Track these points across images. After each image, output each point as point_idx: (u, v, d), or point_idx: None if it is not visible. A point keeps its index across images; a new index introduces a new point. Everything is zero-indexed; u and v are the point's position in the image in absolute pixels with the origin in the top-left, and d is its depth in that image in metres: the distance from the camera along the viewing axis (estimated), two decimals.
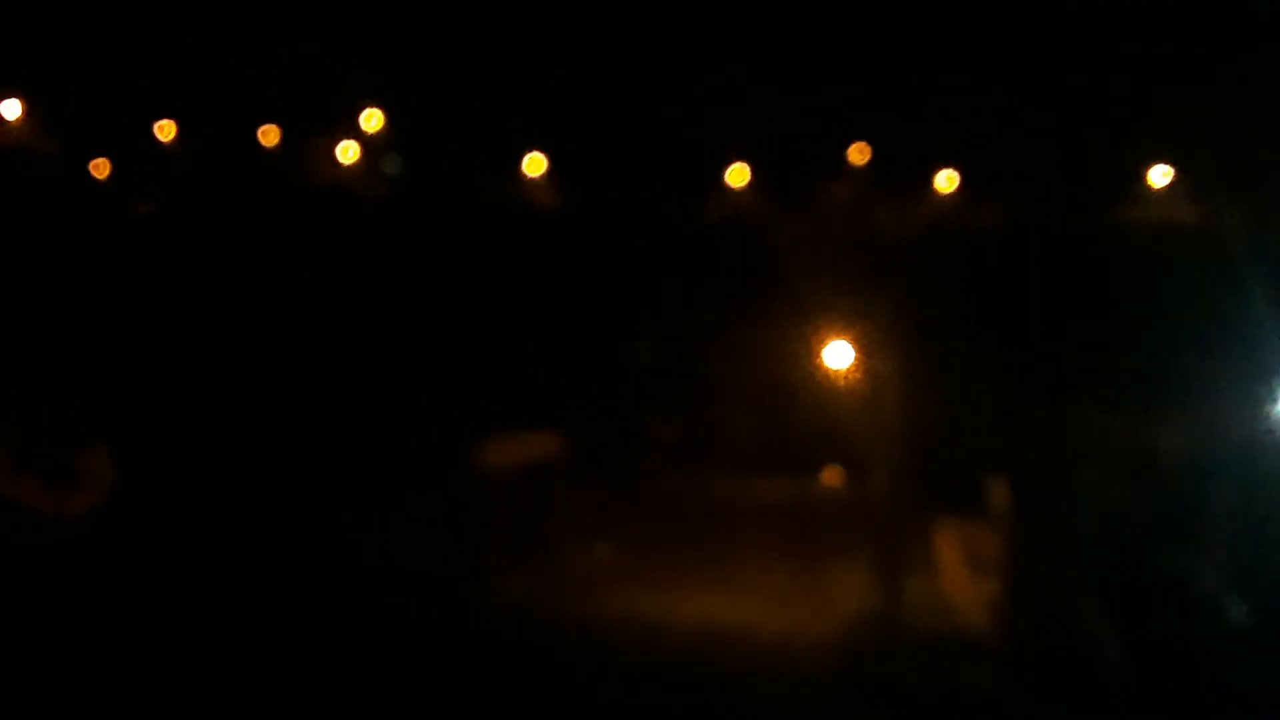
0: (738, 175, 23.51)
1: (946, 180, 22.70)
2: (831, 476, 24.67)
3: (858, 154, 23.19)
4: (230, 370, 21.12)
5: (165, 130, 21.72)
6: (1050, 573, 17.72)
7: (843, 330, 20.32)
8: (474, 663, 16.62)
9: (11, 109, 20.77)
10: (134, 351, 21.10)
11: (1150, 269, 20.75)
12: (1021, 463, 19.10)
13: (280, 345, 21.30)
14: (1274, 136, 19.92)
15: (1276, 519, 16.32)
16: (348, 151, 23.04)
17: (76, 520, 19.79)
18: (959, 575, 19.38)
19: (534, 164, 23.34)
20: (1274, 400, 17.56)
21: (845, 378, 20.31)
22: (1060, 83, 21.32)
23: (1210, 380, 17.96)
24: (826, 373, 20.32)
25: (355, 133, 22.94)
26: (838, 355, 20.21)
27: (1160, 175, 22.16)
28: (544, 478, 21.64)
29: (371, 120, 23.34)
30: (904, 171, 22.89)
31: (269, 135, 22.44)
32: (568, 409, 23.07)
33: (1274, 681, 14.08)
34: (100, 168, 21.85)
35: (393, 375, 21.73)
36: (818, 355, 20.34)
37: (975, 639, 17.86)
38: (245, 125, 21.96)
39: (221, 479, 20.63)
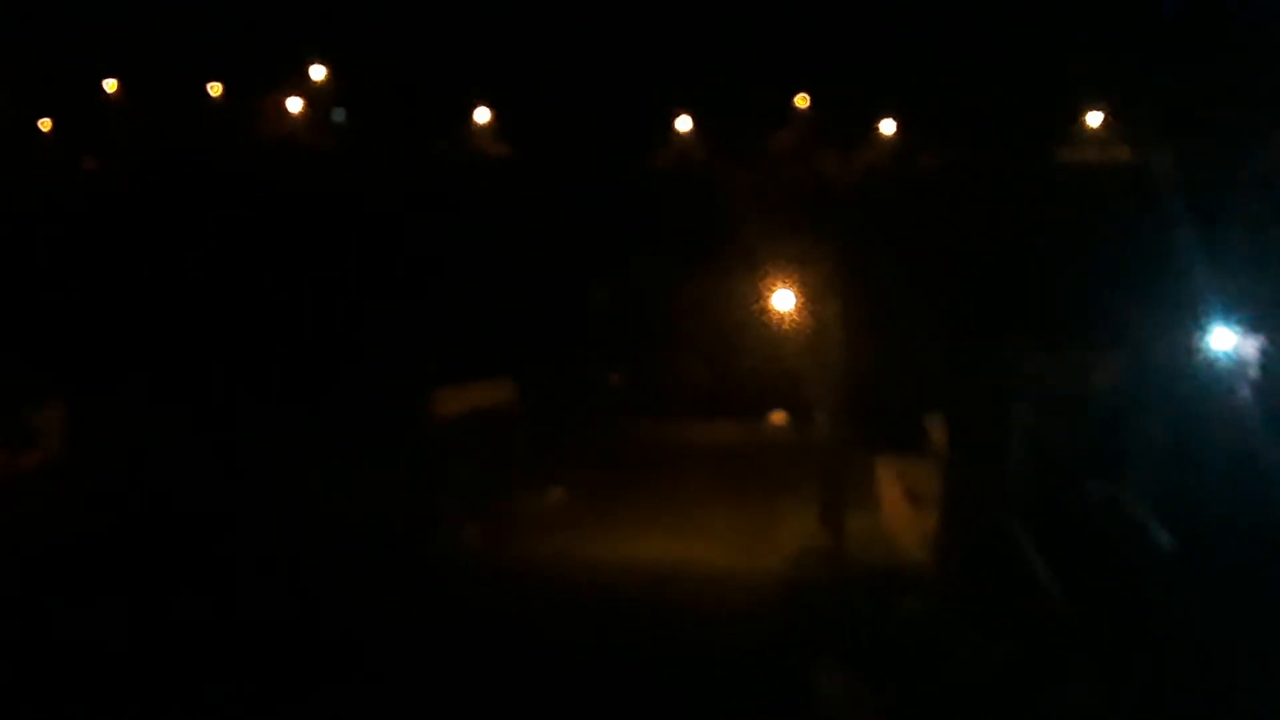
0: (684, 124, 23.82)
1: (887, 126, 23.16)
2: (776, 418, 25.20)
3: (801, 101, 23.56)
4: (182, 325, 21.25)
5: (112, 88, 21.71)
6: (984, 505, 18.25)
7: (786, 275, 20.65)
8: (432, 608, 16.91)
9: None
10: (85, 309, 21.18)
11: (1082, 211, 21.30)
12: (958, 401, 19.62)
13: (231, 299, 21.44)
14: (1203, 78, 20.44)
15: (1197, 448, 16.88)
16: (293, 105, 23.13)
17: (30, 478, 19.92)
18: (899, 510, 19.92)
19: (481, 114, 23.55)
20: (1198, 335, 18.03)
21: (789, 322, 20.67)
22: (997, 27, 21.75)
23: (1136, 318, 18.52)
24: (771, 317, 20.67)
25: (301, 86, 23.01)
26: (782, 300, 20.55)
27: (1093, 118, 22.68)
28: (497, 425, 21.97)
29: (317, 73, 23.41)
30: (845, 119, 23.28)
31: (215, 90, 22.48)
32: (520, 357, 23.40)
33: (1194, 601, 14.64)
34: (45, 125, 21.84)
35: (346, 327, 21.95)
36: (763, 300, 20.67)
37: (916, 571, 18.34)
38: (191, 81, 22.00)
39: (176, 434, 20.82)
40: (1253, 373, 17.24)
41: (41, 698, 13.58)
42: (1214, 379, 17.33)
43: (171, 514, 18.91)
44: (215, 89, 21.38)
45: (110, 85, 20.77)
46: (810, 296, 20.64)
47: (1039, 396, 18.73)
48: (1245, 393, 17.09)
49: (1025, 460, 18.29)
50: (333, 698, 14.04)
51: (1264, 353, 17.31)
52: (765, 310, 21.17)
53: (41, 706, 13.50)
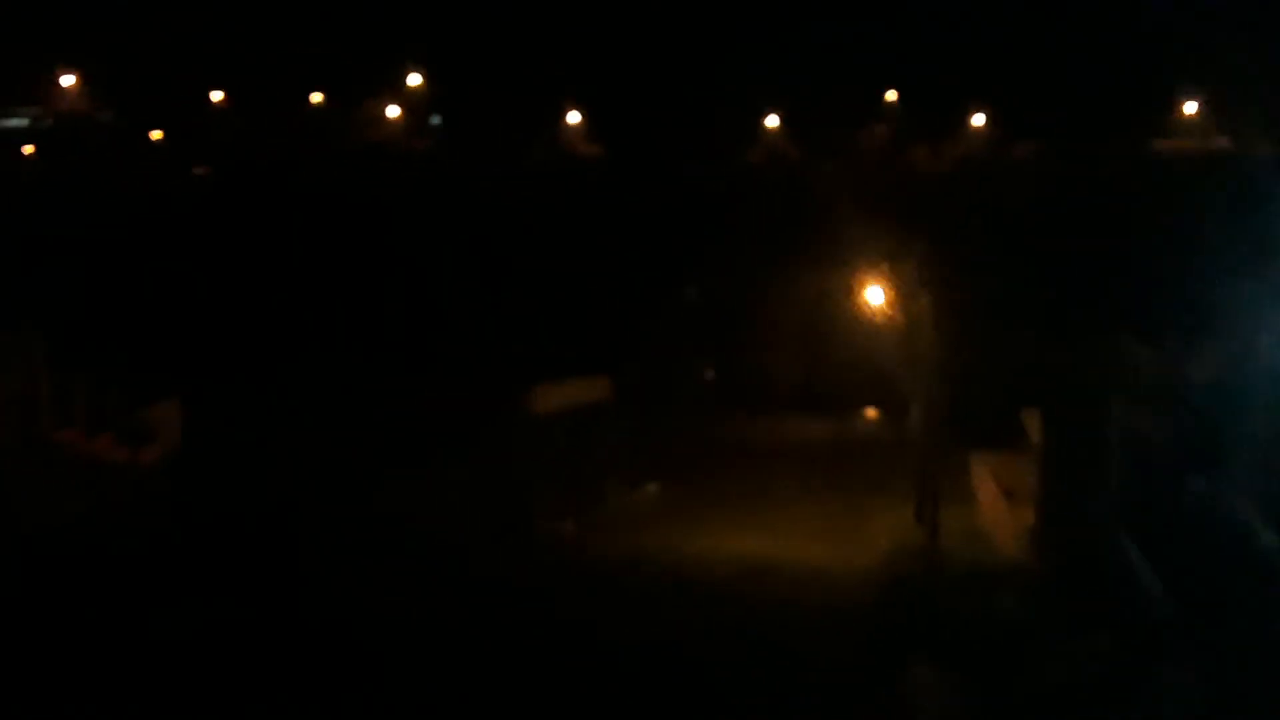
0: (773, 121, 23.91)
1: (978, 119, 23.00)
2: (870, 414, 25.13)
3: (890, 96, 23.51)
4: (290, 325, 21.83)
5: (218, 99, 22.39)
6: (1084, 503, 18.05)
7: (879, 271, 20.59)
8: (531, 602, 17.20)
9: (68, 81, 21.47)
10: (198, 310, 21.87)
11: (1179, 201, 20.95)
12: (1054, 397, 19.43)
13: (336, 299, 21.99)
14: None
15: None
16: (391, 112, 23.65)
17: (148, 472, 20.63)
18: (995, 508, 19.80)
19: (573, 116, 23.86)
20: None
21: (881, 317, 20.61)
22: (1085, 19, 21.48)
23: (1238, 311, 18.19)
24: (863, 313, 20.63)
25: (399, 94, 23.50)
26: (874, 295, 20.51)
27: (1190, 107, 22.31)
28: (593, 421, 22.25)
29: (413, 80, 23.89)
30: (935, 112, 23.17)
31: (316, 100, 23.08)
32: (615, 354, 23.64)
33: None
34: (157, 135, 22.57)
35: (447, 326, 22.37)
36: (855, 296, 20.64)
37: (1013, 569, 18.22)
38: (294, 90, 22.60)
39: (287, 431, 21.42)
40: None
41: (155, 682, 14.08)
42: None
43: (283, 508, 19.43)
44: (316, 98, 21.94)
45: (217, 96, 21.42)
46: (903, 292, 20.58)
47: (1137, 391, 18.49)
48: None
49: (1124, 456, 18.06)
50: (440, 681, 14.39)
51: None
52: (858, 306, 21.17)
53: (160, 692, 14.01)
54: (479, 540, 18.83)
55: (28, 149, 22.46)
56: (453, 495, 20.13)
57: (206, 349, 21.82)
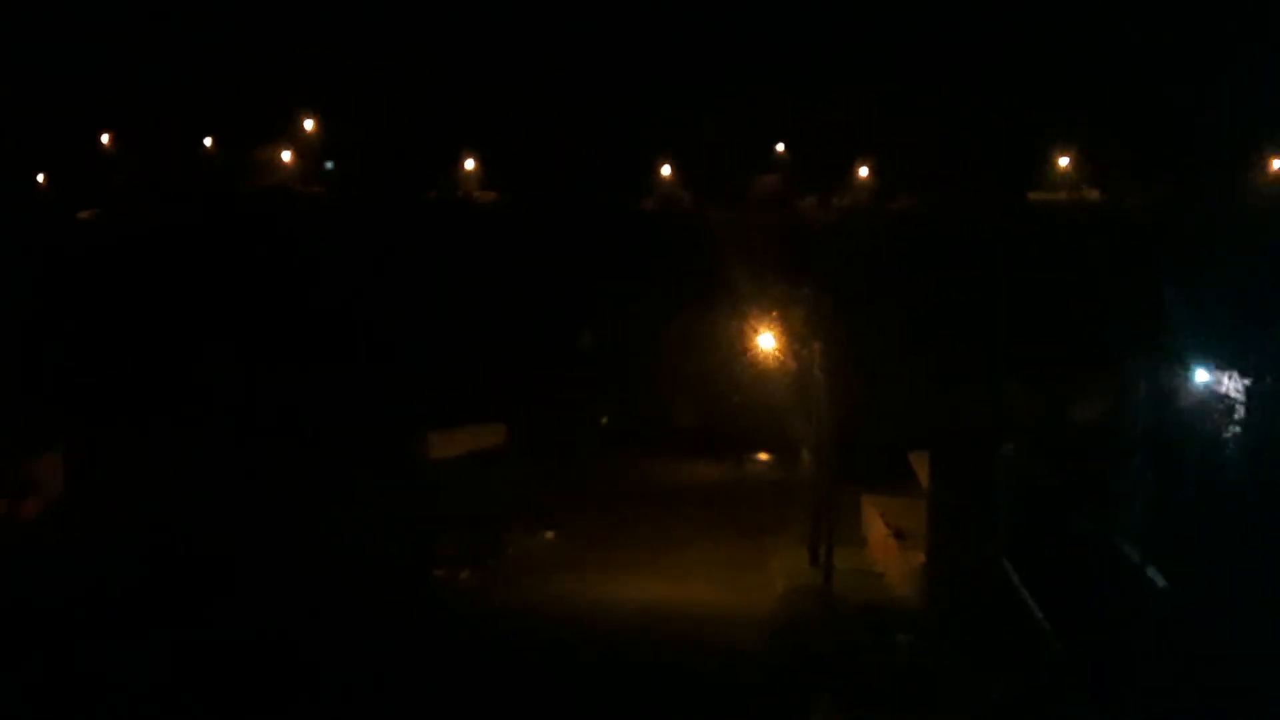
0: (666, 170, 24.28)
1: (864, 170, 23.67)
2: (763, 458, 25.51)
3: (780, 148, 24.07)
4: (180, 371, 21.39)
5: (108, 141, 21.91)
6: (972, 543, 18.47)
7: (770, 317, 20.96)
8: (425, 648, 17.04)
9: None
10: (81, 357, 21.29)
11: (1061, 251, 21.80)
12: (941, 439, 19.94)
13: (228, 344, 21.62)
14: (1170, 121, 21.03)
15: (1183, 484, 17.18)
16: (284, 156, 23.40)
17: (30, 524, 19.95)
18: (886, 548, 20.20)
19: (468, 161, 23.90)
20: (1184, 375, 18.35)
21: (773, 362, 20.96)
22: (970, 73, 22.31)
23: (1118, 355, 18.92)
24: (756, 357, 20.97)
25: (292, 138, 23.28)
26: (766, 340, 20.86)
27: (1066, 159, 23.27)
28: (489, 467, 22.18)
29: (306, 125, 23.71)
30: (822, 164, 23.77)
31: (207, 143, 22.75)
32: (510, 400, 23.64)
33: (1185, 637, 14.88)
34: (42, 178, 21.99)
35: (340, 371, 22.13)
36: (749, 341, 20.97)
37: (906, 608, 18.56)
38: (185, 134, 22.23)
39: (174, 476, 20.91)
40: (1236, 409, 17.62)
41: None
42: (1197, 416, 17.72)
43: (169, 555, 18.96)
44: (207, 142, 21.64)
45: (105, 139, 20.99)
46: (794, 337, 21.00)
47: (1023, 434, 19.07)
48: (1230, 429, 17.46)
49: (1011, 497, 18.58)
50: None
51: (1247, 390, 17.69)
52: (750, 351, 21.52)
53: None
54: (376, 587, 18.61)
55: None
56: (348, 541, 19.85)
57: (89, 398, 21.22)
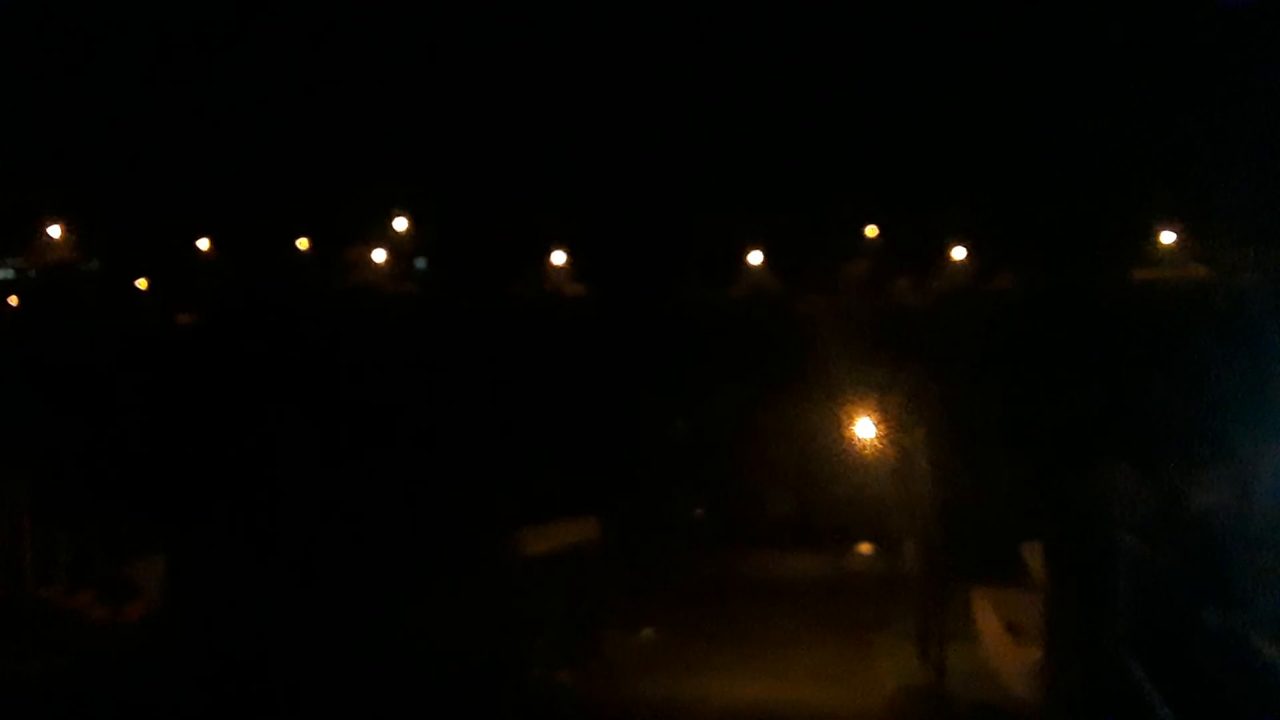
0: (755, 258, 24.10)
1: (960, 252, 23.24)
2: (867, 550, 24.85)
3: (871, 231, 23.77)
4: (275, 472, 21.47)
5: (205, 247, 22.33)
6: (1092, 637, 17.73)
7: (869, 404, 20.51)
8: None
9: (55, 230, 21.32)
10: (181, 461, 21.46)
11: (1169, 328, 21.13)
12: (1055, 527, 19.25)
13: (323, 444, 21.67)
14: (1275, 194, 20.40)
15: None
16: (377, 255, 23.65)
17: (132, 628, 20.01)
18: (1000, 644, 19.47)
19: (559, 255, 23.96)
20: None
21: (874, 450, 20.47)
22: (1062, 151, 21.89)
23: (1239, 438, 18.18)
24: (856, 446, 20.50)
25: (384, 238, 23.53)
26: (866, 428, 20.38)
27: (1168, 235, 22.65)
28: (585, 563, 21.85)
29: (399, 224, 23.94)
30: (915, 245, 23.42)
31: (302, 244, 23.08)
32: (602, 494, 23.36)
33: None
34: (143, 284, 22.42)
35: (435, 467, 22.06)
36: (846, 429, 20.53)
37: (1022, 709, 17.85)
38: (280, 236, 22.58)
39: (272, 580, 20.87)
40: None
41: None
42: None
43: (267, 659, 18.89)
44: (302, 244, 21.88)
45: (203, 244, 21.29)
46: (893, 424, 20.50)
47: (1141, 521, 18.33)
48: None
49: (1132, 588, 17.82)
50: None
51: None
52: (848, 439, 21.03)
53: None
54: (476, 689, 18.33)
55: (13, 299, 22.26)
56: (446, 641, 19.63)
57: (192, 501, 21.35)
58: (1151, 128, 21.46)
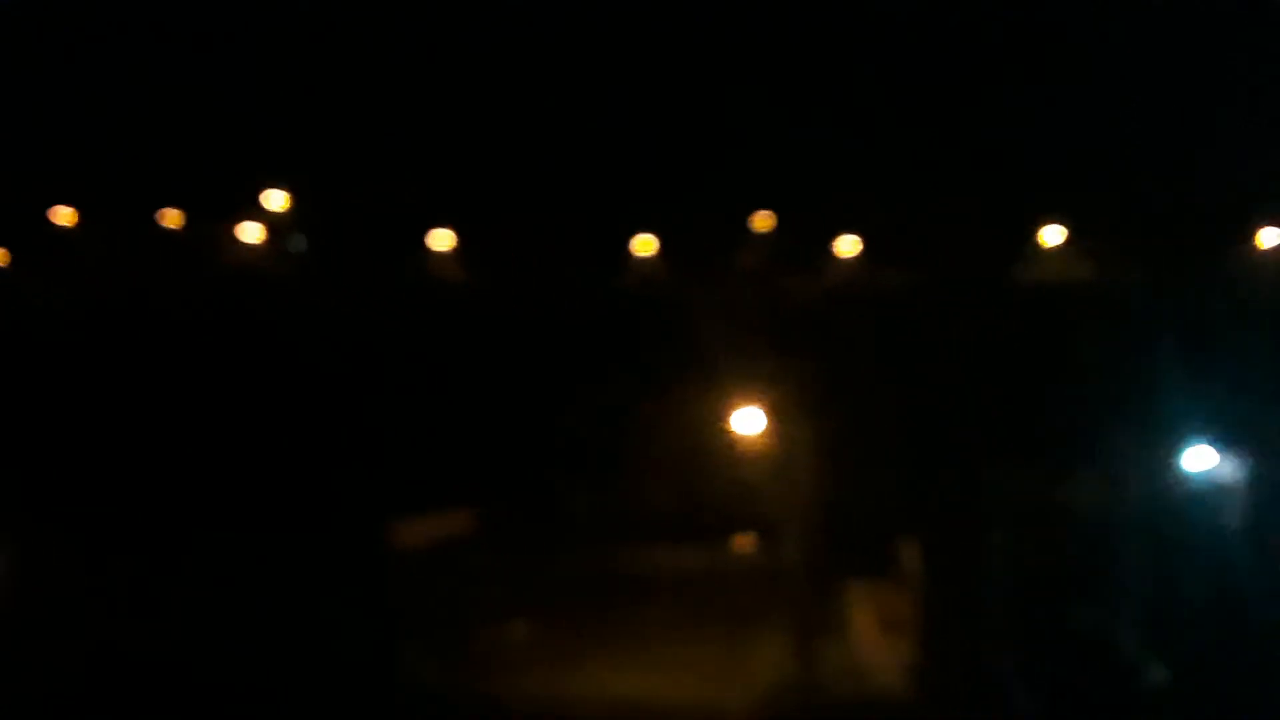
0: (645, 245, 23.69)
1: (849, 245, 23.02)
2: (744, 544, 24.67)
3: (762, 222, 23.49)
4: (136, 459, 20.68)
5: (64, 216, 21.38)
6: (963, 632, 17.79)
7: (752, 397, 20.40)
8: None
9: None
10: (33, 446, 20.58)
11: (1051, 329, 21.17)
12: (931, 524, 19.26)
13: (186, 430, 20.92)
14: (1167, 193, 20.51)
15: (1186, 574, 16.52)
16: (251, 232, 22.87)
17: None
18: (873, 638, 19.44)
19: (441, 239, 23.34)
20: (1175, 454, 17.85)
21: (755, 445, 20.37)
22: (955, 147, 21.80)
23: (1116, 439, 18.26)
24: (737, 440, 20.38)
25: (259, 213, 22.79)
26: (748, 422, 20.29)
27: (1055, 235, 22.65)
28: (459, 556, 21.39)
29: (275, 200, 23.24)
30: (808, 238, 23.20)
31: (170, 218, 22.21)
32: (480, 486, 22.88)
33: None
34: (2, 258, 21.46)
35: (304, 459, 21.42)
36: (728, 423, 20.39)
37: (892, 703, 17.88)
38: (146, 209, 21.71)
39: (126, 571, 20.12)
40: (1235, 492, 17.01)
41: None
42: (1194, 499, 17.08)
43: (120, 653, 18.28)
44: (173, 217, 21.03)
45: (65, 214, 20.38)
46: (778, 419, 20.35)
47: (1015, 519, 18.39)
48: (1229, 514, 16.85)
49: (1005, 585, 17.88)
50: None
51: (1246, 472, 17.09)
52: (731, 433, 20.85)
53: None
54: (343, 685, 17.88)
55: None
56: (308, 635, 19.13)
57: (38, 490, 20.50)
58: (1045, 126, 21.45)
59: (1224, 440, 17.73)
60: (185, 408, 22.37)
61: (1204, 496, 17.57)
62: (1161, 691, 16.08)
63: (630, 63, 22.46)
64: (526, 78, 21.63)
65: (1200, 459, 17.70)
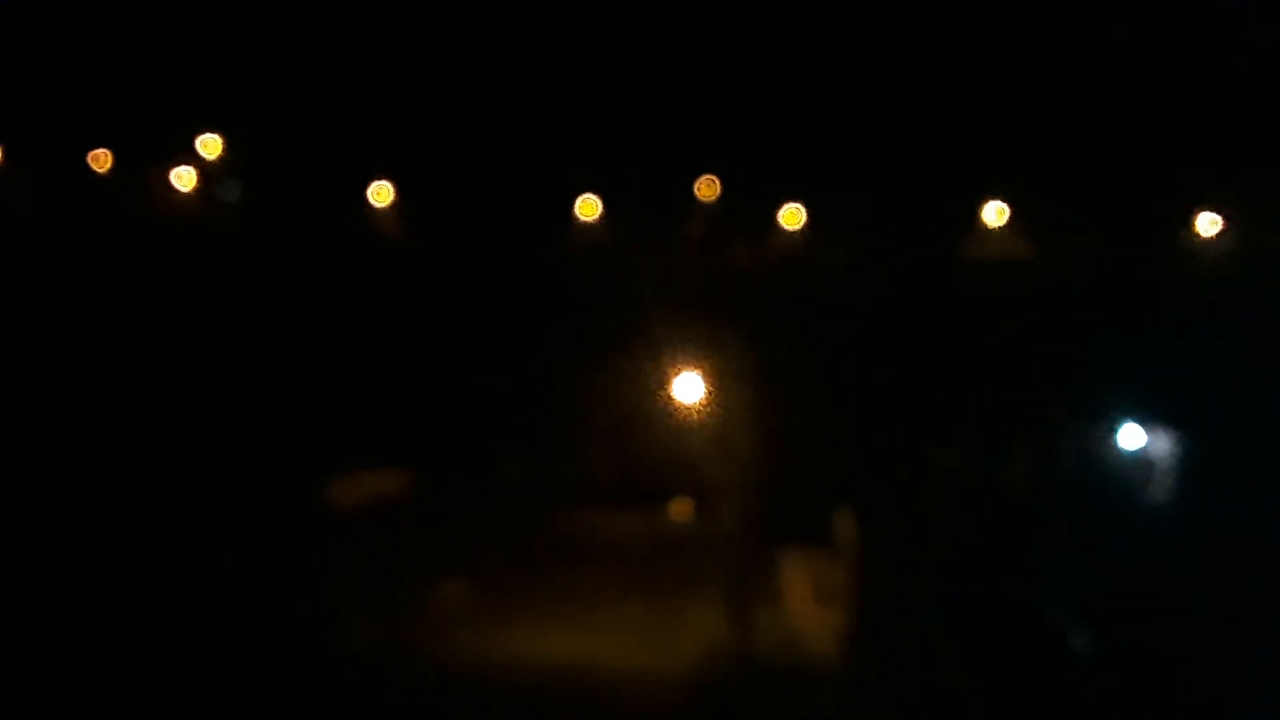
0: (588, 208, 23.49)
1: (791, 215, 23.04)
2: (680, 510, 24.68)
3: (706, 188, 23.42)
4: (63, 409, 20.11)
5: None
6: (897, 603, 18.04)
7: (691, 363, 20.44)
8: (324, 708, 16.14)
9: None
10: None
11: (991, 303, 21.41)
12: (867, 493, 19.47)
13: (110, 386, 20.34)
14: (1105, 170, 20.76)
15: (1115, 547, 16.90)
16: (184, 178, 22.24)
17: None
18: (807, 607, 19.61)
19: (380, 193, 22.93)
20: (1107, 431, 18.23)
21: (693, 411, 20.42)
22: (902, 116, 21.87)
23: (1052, 411, 18.58)
24: (675, 406, 20.44)
25: (192, 158, 22.15)
26: (686, 388, 20.33)
27: (994, 213, 22.87)
28: (394, 516, 21.13)
29: (209, 146, 22.60)
30: (752, 206, 23.19)
31: (100, 161, 21.52)
32: (416, 446, 22.57)
33: (1120, 710, 14.55)
34: None
35: (233, 413, 20.97)
36: (666, 388, 20.43)
37: (825, 670, 18.08)
38: (75, 151, 21.02)
39: (55, 520, 19.59)
40: (1166, 471, 17.42)
41: None
42: (1126, 475, 17.46)
43: (46, 605, 17.85)
44: (103, 159, 20.41)
45: None
46: (717, 386, 20.40)
47: (951, 491, 18.66)
48: (1157, 490, 17.27)
49: (938, 556, 18.17)
50: None
51: (1176, 451, 17.50)
52: (670, 399, 20.85)
53: None
54: (277, 644, 17.67)
55: None
56: (241, 595, 18.84)
57: None
58: (986, 88, 21.54)
59: (1155, 418, 18.14)
60: (110, 360, 21.78)
61: (1134, 472, 17.99)
62: (1089, 659, 16.47)
63: (579, 22, 22.19)
64: (473, 31, 21.28)
65: (1132, 436, 18.11)
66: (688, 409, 20.11)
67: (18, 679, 15.81)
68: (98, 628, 16.79)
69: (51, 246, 21.09)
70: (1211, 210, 20.68)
